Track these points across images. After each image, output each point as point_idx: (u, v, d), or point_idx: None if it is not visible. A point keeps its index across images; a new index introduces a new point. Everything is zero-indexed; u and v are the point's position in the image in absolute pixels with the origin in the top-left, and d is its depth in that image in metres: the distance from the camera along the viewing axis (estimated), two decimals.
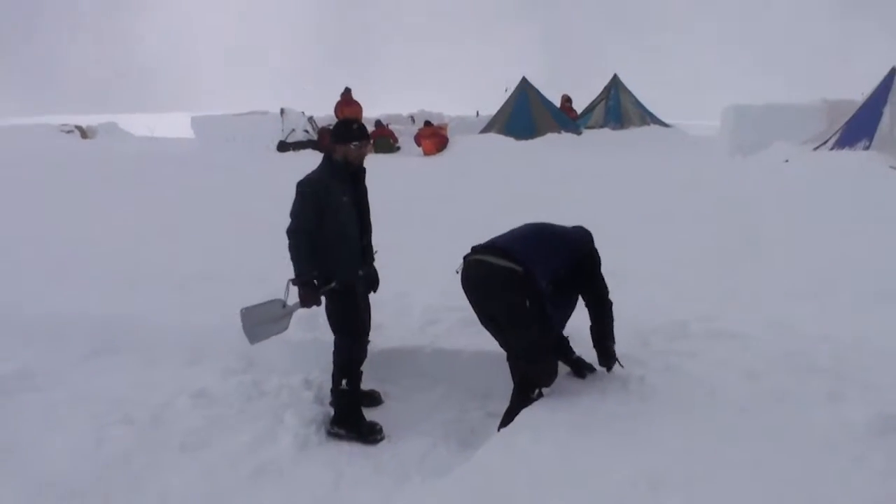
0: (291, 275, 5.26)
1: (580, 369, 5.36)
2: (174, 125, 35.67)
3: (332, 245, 5.23)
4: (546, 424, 4.58)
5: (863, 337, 5.78)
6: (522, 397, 5.00)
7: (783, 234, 10.05)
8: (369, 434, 5.32)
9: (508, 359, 5.11)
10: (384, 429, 5.39)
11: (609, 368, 5.24)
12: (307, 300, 5.29)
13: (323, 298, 5.36)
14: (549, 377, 5.01)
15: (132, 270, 8.66)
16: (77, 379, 6.12)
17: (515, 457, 4.26)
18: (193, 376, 6.04)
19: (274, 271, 8.39)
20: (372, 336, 5.91)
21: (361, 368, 5.47)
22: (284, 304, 5.46)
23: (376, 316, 6.20)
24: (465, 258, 5.01)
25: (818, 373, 5.13)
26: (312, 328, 6.26)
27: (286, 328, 5.58)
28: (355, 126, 5.42)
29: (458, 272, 5.02)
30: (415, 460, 5.01)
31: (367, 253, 5.59)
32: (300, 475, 4.73)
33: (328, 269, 5.26)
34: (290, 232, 5.16)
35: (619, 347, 5.22)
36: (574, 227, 5.34)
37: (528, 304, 4.74)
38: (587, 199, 13.20)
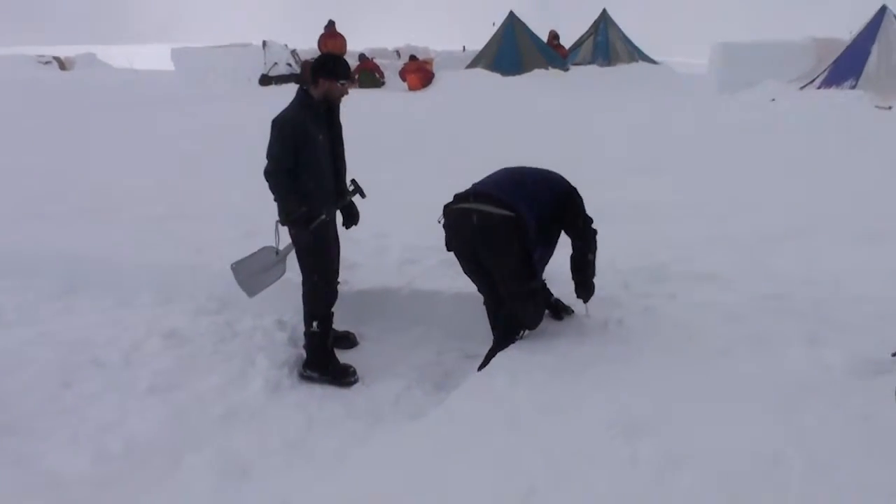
0: (273, 214, 5.12)
1: (558, 312, 5.29)
2: (154, 57, 35.13)
3: (306, 183, 5.06)
4: (523, 367, 4.53)
5: (842, 279, 5.74)
6: (506, 340, 4.93)
7: (767, 175, 9.98)
8: (342, 376, 5.26)
9: (485, 303, 5.03)
10: (358, 371, 5.31)
11: (585, 300, 5.13)
12: (301, 236, 5.14)
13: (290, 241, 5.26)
14: (535, 322, 4.97)
15: (107, 207, 8.53)
16: (46, 317, 6.01)
17: (491, 399, 4.21)
18: (165, 316, 5.94)
19: (252, 208, 8.27)
20: (348, 276, 5.83)
21: (333, 310, 5.38)
22: (277, 251, 5.34)
23: (353, 255, 6.13)
24: (446, 207, 4.84)
25: (797, 316, 5.08)
26: (287, 269, 6.15)
27: (283, 273, 5.48)
28: (343, 63, 5.24)
29: (440, 222, 4.86)
30: (388, 403, 4.95)
31: (341, 189, 5.45)
32: (272, 418, 4.65)
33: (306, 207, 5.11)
34: (270, 173, 4.99)
35: (599, 290, 5.15)
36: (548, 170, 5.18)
37: (522, 251, 4.65)
38: (573, 138, 13.10)
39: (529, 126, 14.61)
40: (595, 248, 5.01)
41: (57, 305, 6.21)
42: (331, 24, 23.61)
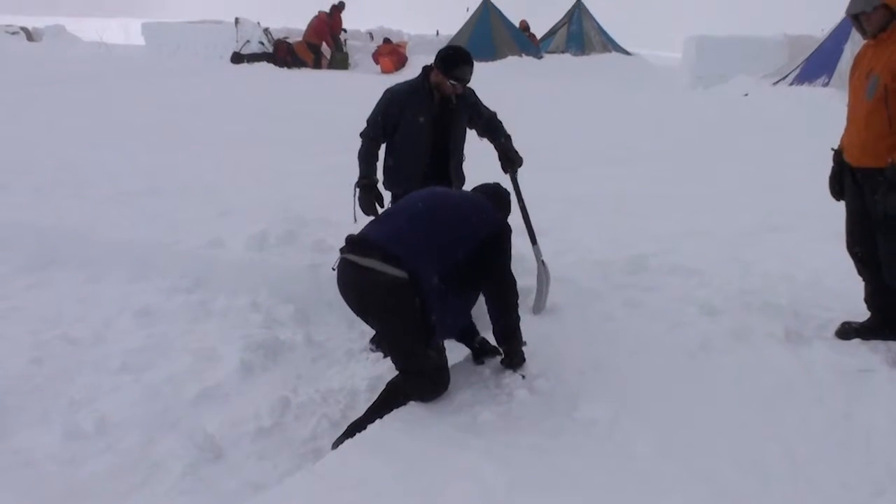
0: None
1: (480, 356, 4.54)
2: (124, 31, 34.70)
3: (390, 157, 5.22)
4: None
5: (821, 276, 5.76)
6: (383, 408, 4.08)
7: (741, 170, 10.03)
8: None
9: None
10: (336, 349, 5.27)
11: (514, 367, 4.34)
12: (362, 203, 5.17)
13: None
14: (426, 396, 4.07)
15: (78, 181, 8.38)
16: (15, 292, 5.89)
17: (483, 387, 4.18)
18: (137, 293, 5.84)
19: (225, 187, 8.20)
20: (327, 260, 5.80)
21: None
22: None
23: (331, 239, 6.08)
24: (341, 251, 4.09)
25: (776, 311, 5.07)
26: (261, 248, 6.05)
27: None
28: (462, 67, 5.04)
29: (333, 269, 4.14)
30: (363, 388, 4.73)
31: (437, 175, 5.19)
32: (246, 401, 4.54)
33: (386, 179, 5.26)
34: (361, 134, 5.21)
35: (580, 281, 5.10)
36: (484, 193, 4.56)
37: (415, 319, 3.91)
38: (548, 125, 13.07)
39: (503, 112, 14.51)
40: (517, 314, 4.38)
41: (25, 281, 6.09)
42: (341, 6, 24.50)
